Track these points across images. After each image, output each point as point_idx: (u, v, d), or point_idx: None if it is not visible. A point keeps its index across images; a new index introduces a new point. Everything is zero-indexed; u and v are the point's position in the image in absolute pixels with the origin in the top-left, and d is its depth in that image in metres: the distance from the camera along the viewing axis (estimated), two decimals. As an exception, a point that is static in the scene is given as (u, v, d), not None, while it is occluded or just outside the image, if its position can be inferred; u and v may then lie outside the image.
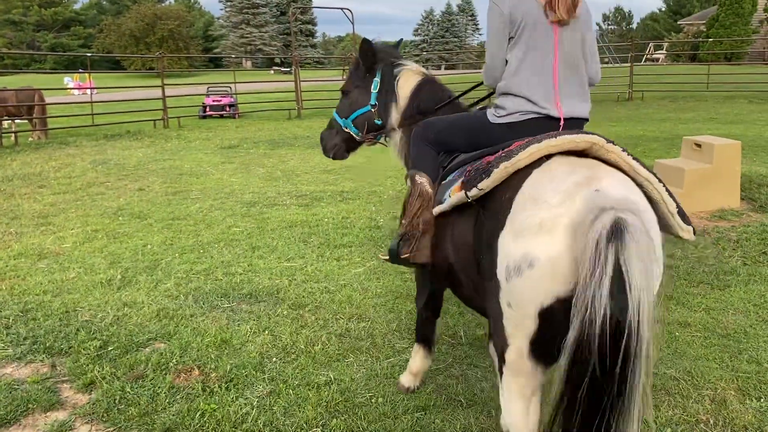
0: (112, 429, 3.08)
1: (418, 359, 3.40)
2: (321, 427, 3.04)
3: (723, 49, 36.11)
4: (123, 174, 9.91)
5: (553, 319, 1.92)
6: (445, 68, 51.80)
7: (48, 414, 3.22)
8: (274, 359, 3.73)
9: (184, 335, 4.02)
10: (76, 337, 4.02)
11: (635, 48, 25.72)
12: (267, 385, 3.42)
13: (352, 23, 22.82)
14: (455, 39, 79.16)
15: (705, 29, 42.01)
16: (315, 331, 4.11)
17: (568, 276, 1.87)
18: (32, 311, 4.46)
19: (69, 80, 32.88)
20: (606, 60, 44.92)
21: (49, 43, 62.72)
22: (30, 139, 14.55)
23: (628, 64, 24.25)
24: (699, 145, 7.16)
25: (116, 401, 3.28)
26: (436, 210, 2.62)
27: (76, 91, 28.92)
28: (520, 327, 2.02)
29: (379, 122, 3.36)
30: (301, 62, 23.41)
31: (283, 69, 47.86)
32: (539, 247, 1.91)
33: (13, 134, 14.08)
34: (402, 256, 2.79)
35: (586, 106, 2.65)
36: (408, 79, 3.27)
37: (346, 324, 4.20)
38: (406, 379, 3.42)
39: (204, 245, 5.98)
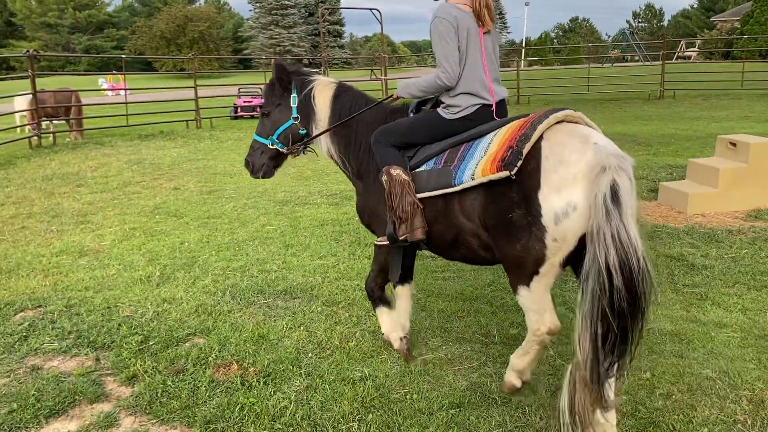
0: (154, 421, 3.17)
1: (386, 317, 3.86)
2: (357, 422, 3.09)
3: (758, 46, 35.32)
4: (158, 173, 10.11)
5: (583, 240, 2.67)
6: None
7: (94, 406, 3.33)
8: (310, 354, 3.80)
9: (223, 330, 4.12)
10: (118, 331, 4.14)
11: (666, 46, 25.35)
12: (304, 380, 3.49)
13: (381, 23, 22.90)
14: (483, 38, 78.62)
15: (739, 26, 41.15)
16: (349, 327, 4.18)
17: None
18: (75, 306, 4.60)
19: (103, 81, 33.51)
20: (636, 58, 44.30)
21: (83, 45, 63.95)
22: (67, 139, 14.90)
23: (659, 62, 23.92)
24: (734, 144, 7.06)
25: (158, 394, 3.38)
26: (448, 190, 3.11)
27: (109, 92, 29.46)
28: (560, 251, 2.77)
29: (303, 132, 3.82)
30: (329, 62, 23.54)
31: (311, 70, 48.15)
32: (578, 194, 2.65)
33: (51, 134, 14.44)
34: (400, 238, 3.30)
35: (504, 89, 3.43)
36: (323, 89, 3.76)
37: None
38: (392, 339, 3.81)
39: (239, 243, 6.10)
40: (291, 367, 3.62)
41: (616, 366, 2.65)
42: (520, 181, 2.80)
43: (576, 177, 2.66)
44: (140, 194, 8.55)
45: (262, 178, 3.94)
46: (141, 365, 3.67)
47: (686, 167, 7.56)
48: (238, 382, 3.46)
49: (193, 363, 3.69)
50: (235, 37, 68.53)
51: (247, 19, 69.33)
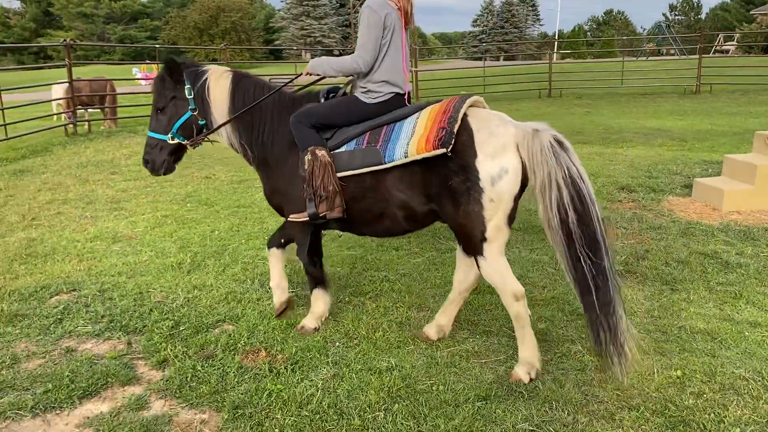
0: (184, 405, 3.23)
1: (321, 303, 4.03)
2: (384, 411, 3.10)
3: (800, 40, 34.36)
4: (190, 162, 10.21)
5: (517, 198, 3.24)
6: (504, 59, 51.07)
7: (125, 388, 3.40)
8: (337, 344, 3.83)
9: (252, 318, 4.17)
10: (150, 316, 4.22)
11: (704, 39, 24.77)
12: (331, 369, 3.52)
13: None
14: (515, 30, 77.87)
15: (781, 19, 40.01)
16: (376, 318, 4.19)
17: (521, 171, 3.20)
18: (108, 291, 4.70)
19: (137, 71, 33.92)
20: (672, 52, 43.43)
21: (118, 34, 64.90)
22: (102, 127, 15.16)
23: (696, 56, 23.40)
24: (773, 141, 6.88)
25: (188, 379, 3.44)
26: (378, 168, 3.43)
27: (143, 82, 29.83)
28: (498, 211, 3.21)
29: (203, 122, 3.87)
30: (360, 54, 23.44)
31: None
32: (508, 160, 3.19)
33: (86, 122, 14.69)
34: (321, 215, 3.57)
35: (410, 83, 3.76)
36: (219, 78, 3.82)
37: (406, 312, 4.26)
38: (311, 321, 3.99)
39: (268, 232, 6.14)
40: (318, 356, 3.65)
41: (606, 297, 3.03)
42: (457, 153, 3.23)
43: (505, 146, 3.20)
44: (172, 182, 8.66)
45: (164, 174, 3.97)
46: (171, 350, 3.74)
47: (722, 163, 7.40)
48: (266, 369, 3.50)
49: (222, 349, 3.75)
50: (266, 27, 68.83)
51: (279, 10, 69.60)
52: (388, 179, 3.45)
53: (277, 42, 62.87)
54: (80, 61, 44.52)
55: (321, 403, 3.18)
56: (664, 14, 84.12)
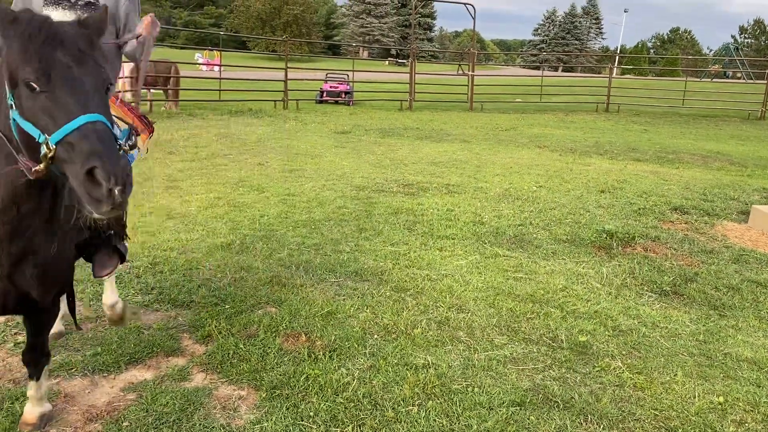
0: (224, 380, 3.32)
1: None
2: (417, 407, 3.13)
3: None
4: (244, 148, 10.45)
5: None
6: (563, 70, 50.37)
7: (169, 359, 3.52)
8: (376, 336, 3.87)
9: (294, 303, 4.24)
10: (197, 292, 4.34)
11: (775, 64, 23.95)
12: (368, 360, 3.56)
13: (474, 18, 22.68)
14: (576, 41, 76.70)
15: None
16: (415, 315, 4.22)
17: None
18: (159, 265, 4.85)
19: (199, 56, 34.67)
20: (738, 75, 42.11)
21: (183, 20, 66.57)
22: (162, 108, 15.58)
23: (764, 82, 22.66)
24: (840, 173, 6.64)
25: (230, 355, 3.53)
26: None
27: (204, 67, 30.49)
28: None
29: None
30: (417, 55, 23.54)
31: (398, 60, 48.25)
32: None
33: (148, 102, 15.12)
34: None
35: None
36: None
37: (446, 312, 4.27)
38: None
39: (315, 222, 6.24)
40: (356, 346, 3.70)
41: None
42: None
43: None
44: (226, 166, 8.86)
45: None
46: (216, 326, 3.84)
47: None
48: (305, 354, 3.57)
49: (264, 330, 3.83)
50: (327, 23, 69.53)
51: (341, 6, 70.21)
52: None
53: (336, 38, 63.39)
54: (146, 42, 45.59)
55: (356, 391, 3.23)
56: (733, 36, 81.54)
